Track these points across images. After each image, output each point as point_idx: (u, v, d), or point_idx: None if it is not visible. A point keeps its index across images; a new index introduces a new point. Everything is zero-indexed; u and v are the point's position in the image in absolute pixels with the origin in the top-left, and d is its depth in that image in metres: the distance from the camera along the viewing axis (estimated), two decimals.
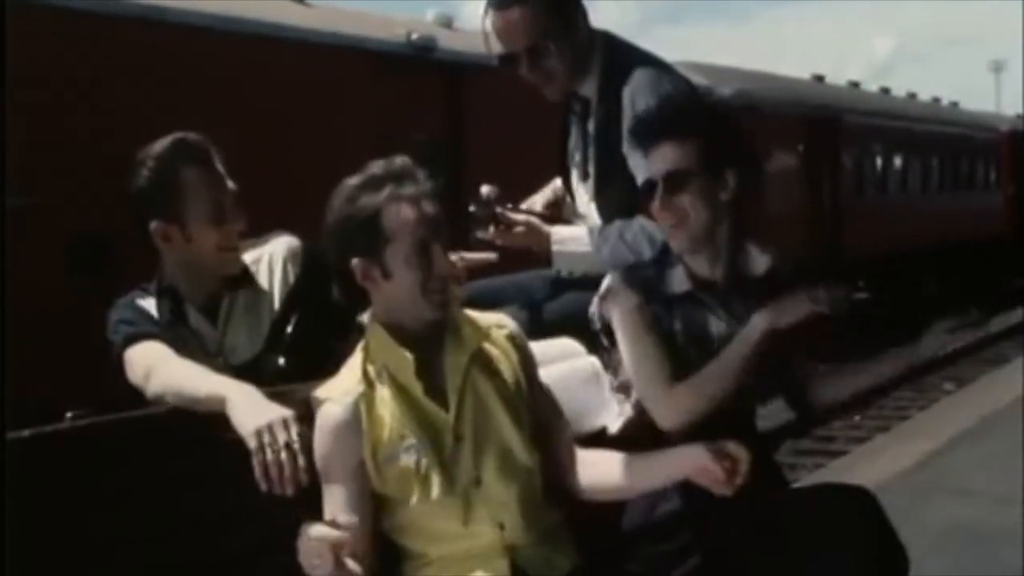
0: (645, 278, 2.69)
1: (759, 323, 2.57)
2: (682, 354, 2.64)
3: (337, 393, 2.31)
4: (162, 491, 2.15)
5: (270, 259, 2.76)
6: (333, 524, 2.05)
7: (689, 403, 2.58)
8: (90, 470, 2.09)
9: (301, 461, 2.15)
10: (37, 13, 6.89)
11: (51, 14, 7.15)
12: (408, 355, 2.30)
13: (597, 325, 2.76)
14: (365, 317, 2.40)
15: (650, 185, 2.67)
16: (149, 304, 2.67)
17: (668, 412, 2.60)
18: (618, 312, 2.68)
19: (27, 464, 1.99)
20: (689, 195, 2.63)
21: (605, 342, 2.75)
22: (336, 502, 2.24)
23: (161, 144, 2.64)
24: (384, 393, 2.30)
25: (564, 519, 2.41)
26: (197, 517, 2.18)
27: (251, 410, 2.19)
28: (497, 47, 3.21)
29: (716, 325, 2.69)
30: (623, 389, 2.76)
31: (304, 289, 2.70)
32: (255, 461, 2.11)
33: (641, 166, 3.12)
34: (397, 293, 2.29)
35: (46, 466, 2.03)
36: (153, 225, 2.61)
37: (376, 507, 2.29)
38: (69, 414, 2.17)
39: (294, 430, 2.15)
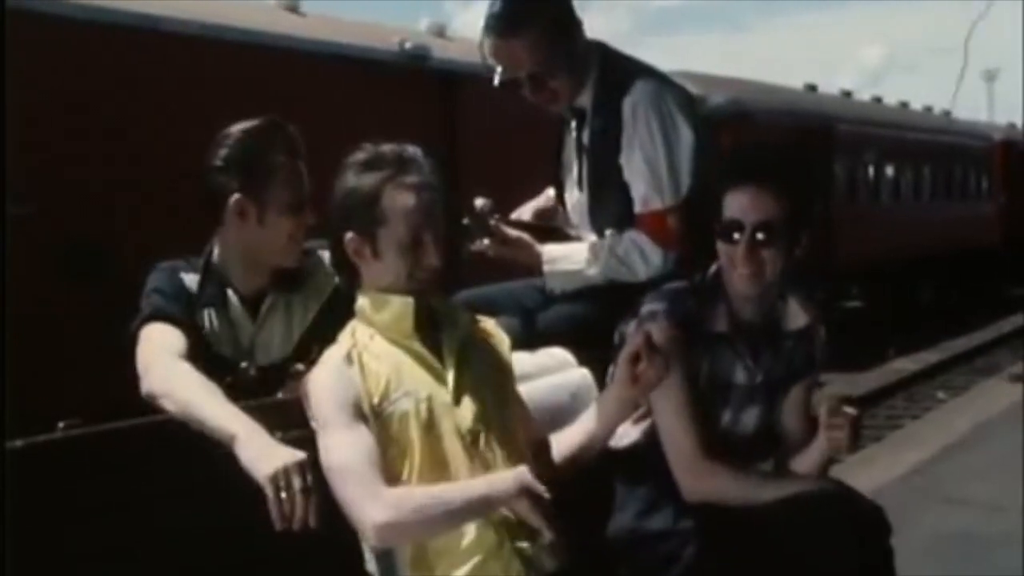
0: (687, 311, 2.62)
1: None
2: (702, 398, 2.61)
3: (328, 354, 2.35)
4: (155, 501, 2.14)
5: (316, 268, 2.75)
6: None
7: (720, 490, 2.55)
8: (82, 480, 2.08)
9: (315, 502, 2.13)
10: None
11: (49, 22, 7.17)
12: (409, 299, 2.34)
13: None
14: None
15: (732, 225, 2.57)
16: (191, 279, 2.65)
17: (697, 487, 2.56)
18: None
19: (20, 474, 1.99)
20: (773, 250, 2.56)
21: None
22: (348, 444, 2.21)
23: (257, 124, 2.65)
24: (377, 350, 2.32)
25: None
26: (190, 528, 2.18)
27: (264, 455, 2.15)
28: (498, 71, 3.20)
29: (741, 375, 2.66)
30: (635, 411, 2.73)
31: (338, 303, 2.66)
32: (272, 506, 2.09)
33: (642, 176, 3.12)
34: (384, 274, 2.35)
35: (39, 476, 2.02)
36: (234, 198, 2.60)
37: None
38: (61, 424, 2.17)
39: (308, 475, 2.13)
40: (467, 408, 2.32)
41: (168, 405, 2.32)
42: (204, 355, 2.55)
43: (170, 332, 2.52)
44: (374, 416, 2.27)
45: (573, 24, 3.22)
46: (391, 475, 2.25)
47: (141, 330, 2.54)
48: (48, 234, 6.93)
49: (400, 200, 2.32)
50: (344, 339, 2.38)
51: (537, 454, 2.45)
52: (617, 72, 3.21)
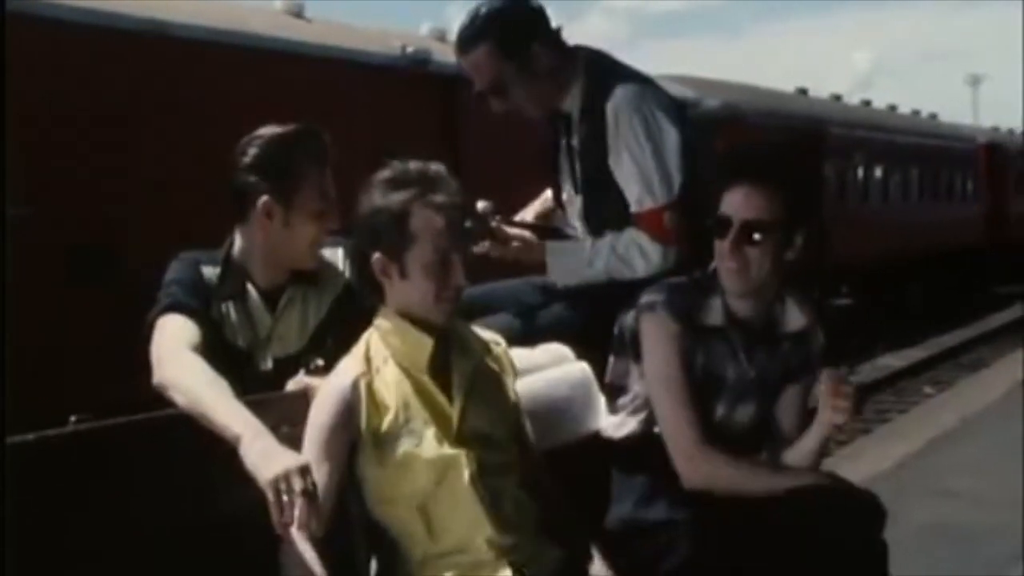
0: (685, 304, 2.62)
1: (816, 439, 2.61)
2: (698, 390, 2.61)
3: (336, 375, 2.31)
4: (166, 495, 2.13)
5: (333, 261, 2.74)
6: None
7: (718, 477, 2.54)
8: (93, 474, 2.07)
9: (316, 506, 2.11)
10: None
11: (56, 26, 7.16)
12: (428, 338, 2.30)
13: (626, 336, 2.71)
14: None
15: (724, 222, 2.57)
16: (211, 272, 2.64)
17: (693, 473, 2.55)
18: (653, 339, 2.62)
19: (31, 468, 1.98)
20: (760, 248, 2.55)
21: (629, 353, 2.71)
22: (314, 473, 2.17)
23: (291, 129, 2.63)
24: (388, 378, 2.29)
25: (544, 516, 2.39)
26: (201, 520, 2.16)
27: (266, 458, 2.13)
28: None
29: (734, 370, 2.66)
30: (633, 401, 2.73)
31: (350, 297, 2.66)
32: (272, 509, 2.08)
33: (633, 178, 3.12)
34: (410, 294, 2.30)
35: (50, 470, 2.02)
36: (263, 200, 2.58)
37: (372, 499, 2.28)
38: (73, 418, 2.16)
39: (310, 478, 2.12)
40: (471, 446, 2.28)
41: (178, 398, 2.31)
42: (221, 347, 2.54)
43: (186, 324, 2.50)
44: (375, 445, 2.25)
45: (533, 39, 3.21)
46: (394, 507, 2.26)
47: (158, 320, 2.52)
48: (51, 235, 6.93)
49: (428, 220, 2.26)
50: (358, 353, 2.34)
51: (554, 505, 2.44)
52: (601, 77, 3.21)
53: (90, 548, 2.03)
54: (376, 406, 2.27)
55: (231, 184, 2.63)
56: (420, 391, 2.29)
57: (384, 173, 2.31)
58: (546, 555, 2.31)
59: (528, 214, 3.57)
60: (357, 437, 2.26)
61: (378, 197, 2.29)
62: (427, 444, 2.25)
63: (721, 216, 2.58)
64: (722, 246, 2.57)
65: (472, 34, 3.20)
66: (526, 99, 3.24)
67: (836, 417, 2.53)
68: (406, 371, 2.30)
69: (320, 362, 2.51)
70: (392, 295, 2.33)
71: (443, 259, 2.27)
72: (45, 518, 1.99)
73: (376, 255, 2.29)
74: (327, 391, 2.29)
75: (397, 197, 2.27)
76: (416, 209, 2.26)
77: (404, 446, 2.25)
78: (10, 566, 1.91)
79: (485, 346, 2.45)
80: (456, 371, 2.33)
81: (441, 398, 2.30)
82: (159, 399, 2.34)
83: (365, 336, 2.37)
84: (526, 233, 3.30)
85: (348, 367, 2.32)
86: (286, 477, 2.09)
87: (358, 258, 2.36)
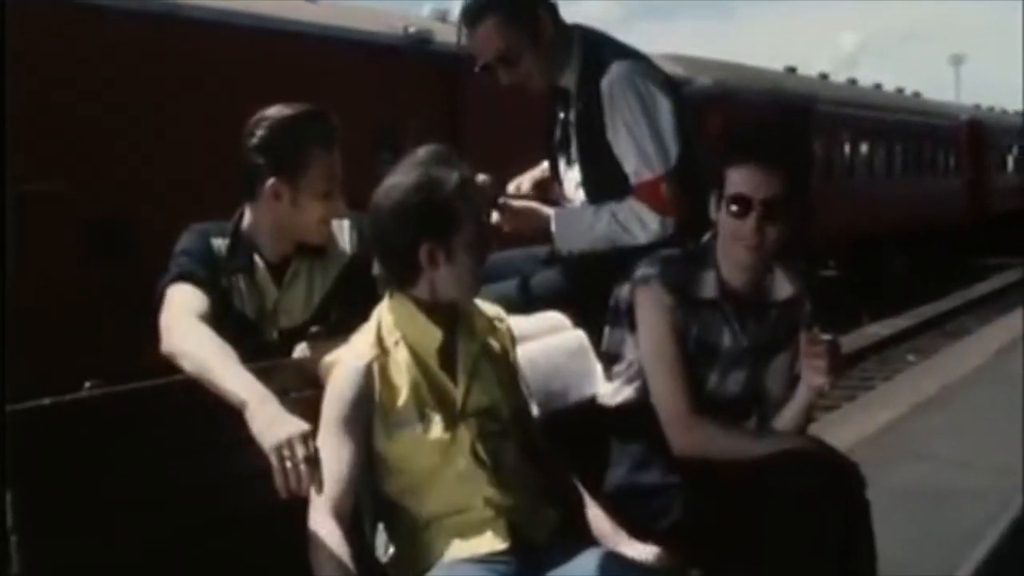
0: (679, 277, 2.60)
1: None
2: (691, 360, 2.60)
3: (351, 356, 2.29)
4: (173, 457, 2.13)
5: (339, 233, 2.71)
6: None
7: (707, 445, 2.54)
8: (107, 438, 2.07)
9: (318, 471, 2.09)
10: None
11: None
12: (438, 332, 2.28)
13: (622, 307, 2.69)
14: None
15: (743, 201, 2.52)
16: (220, 243, 2.61)
17: (685, 442, 2.55)
18: (647, 311, 2.61)
19: (52, 430, 1.97)
20: (778, 223, 2.52)
21: (624, 323, 2.69)
22: (332, 454, 2.17)
23: (297, 112, 2.59)
24: (400, 360, 2.27)
25: (544, 480, 2.38)
26: (214, 482, 2.16)
27: (270, 424, 2.12)
28: (477, 58, 3.23)
29: (728, 340, 2.64)
30: (628, 370, 2.72)
31: (355, 270, 2.64)
32: (276, 474, 2.06)
33: (630, 150, 3.11)
34: (455, 276, 2.27)
35: (64, 434, 2.01)
36: (271, 182, 2.55)
37: (378, 469, 2.27)
38: (88, 383, 2.15)
39: (312, 444, 2.10)
40: (473, 418, 2.28)
41: (186, 365, 2.29)
42: (229, 317, 2.53)
43: (194, 294, 2.48)
44: (385, 423, 2.24)
45: (539, 7, 3.19)
46: (400, 476, 2.25)
47: (167, 289, 2.51)
48: (75, 210, 6.93)
49: (467, 200, 2.24)
50: (371, 334, 2.31)
51: (558, 483, 2.42)
52: (596, 54, 3.19)
53: (101, 513, 2.02)
54: (389, 387, 2.25)
55: (241, 163, 2.60)
56: (429, 376, 2.28)
57: (408, 167, 2.25)
58: (544, 515, 2.30)
59: (525, 181, 3.55)
60: (372, 414, 2.25)
61: (416, 191, 2.23)
62: (435, 427, 2.25)
63: (739, 196, 2.53)
64: (742, 225, 2.52)
65: (480, 6, 3.17)
66: (535, 68, 3.20)
67: (815, 379, 2.52)
68: (416, 355, 2.29)
69: (315, 328, 2.49)
70: (429, 281, 2.27)
71: (480, 235, 2.28)
72: (55, 482, 1.98)
73: (424, 245, 2.24)
74: (344, 372, 2.27)
75: (437, 185, 2.22)
76: (455, 191, 2.22)
77: (414, 429, 2.24)
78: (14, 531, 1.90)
79: (489, 324, 2.43)
80: (462, 353, 2.32)
81: (448, 383, 2.29)
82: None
83: (376, 316, 2.34)
84: (532, 204, 3.30)
85: (362, 349, 2.29)
86: (289, 443, 2.08)
87: (399, 251, 2.27)
